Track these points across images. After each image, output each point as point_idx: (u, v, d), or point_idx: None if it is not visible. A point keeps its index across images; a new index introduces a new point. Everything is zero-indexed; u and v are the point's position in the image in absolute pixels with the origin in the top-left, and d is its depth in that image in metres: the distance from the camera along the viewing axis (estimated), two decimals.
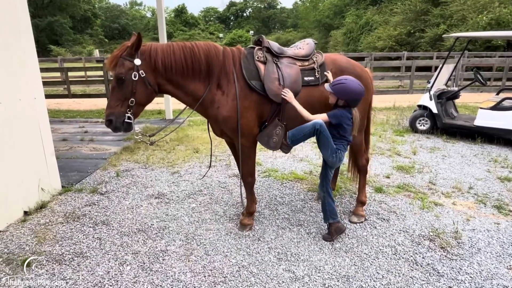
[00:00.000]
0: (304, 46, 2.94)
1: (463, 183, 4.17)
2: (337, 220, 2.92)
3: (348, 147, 3.42)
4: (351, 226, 3.18)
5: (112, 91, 2.47)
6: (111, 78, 2.51)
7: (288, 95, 2.66)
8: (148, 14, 74.11)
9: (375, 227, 3.16)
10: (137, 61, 2.43)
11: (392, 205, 3.58)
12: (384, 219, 3.30)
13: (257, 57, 2.75)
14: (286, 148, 2.82)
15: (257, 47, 2.82)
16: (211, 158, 3.34)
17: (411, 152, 5.38)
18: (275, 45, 2.85)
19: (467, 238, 2.98)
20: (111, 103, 2.47)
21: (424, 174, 4.45)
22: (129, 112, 2.47)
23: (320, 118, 2.64)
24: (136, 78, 2.43)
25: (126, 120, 2.47)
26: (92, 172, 4.60)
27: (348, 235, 3.04)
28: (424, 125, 6.56)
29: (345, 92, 2.61)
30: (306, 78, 2.82)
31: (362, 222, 3.24)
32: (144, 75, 2.46)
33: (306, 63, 2.87)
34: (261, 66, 2.72)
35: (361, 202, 3.36)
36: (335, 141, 2.70)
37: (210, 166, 3.56)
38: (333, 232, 2.92)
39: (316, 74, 2.84)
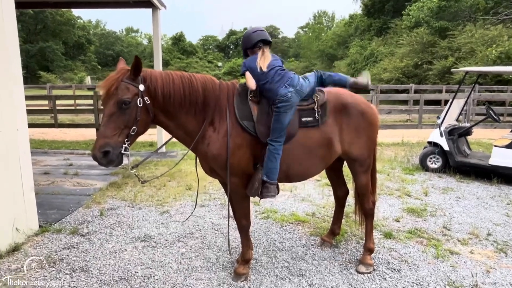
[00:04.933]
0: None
1: (481, 228, 4.09)
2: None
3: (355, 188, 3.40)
4: (358, 278, 3.06)
5: (109, 118, 2.35)
6: (102, 107, 2.51)
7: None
8: (145, 41, 76.59)
9: (385, 279, 3.05)
10: (142, 87, 2.44)
11: (403, 253, 3.48)
12: (394, 269, 3.19)
13: (251, 96, 2.79)
14: (267, 190, 2.74)
15: None
16: (197, 198, 3.28)
17: (422, 192, 5.34)
18: None
19: None
20: (106, 131, 2.34)
21: (438, 218, 4.38)
22: (127, 143, 2.43)
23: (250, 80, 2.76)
24: (141, 105, 2.43)
25: (122, 151, 2.40)
26: (74, 210, 4.52)
27: (355, 287, 2.92)
28: (435, 163, 6.56)
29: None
30: (303, 119, 2.85)
31: (370, 272, 3.13)
32: (149, 102, 2.47)
33: (305, 103, 2.90)
34: (254, 107, 2.76)
35: (369, 250, 3.27)
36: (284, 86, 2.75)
37: (195, 207, 3.47)
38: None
39: (316, 115, 2.87)
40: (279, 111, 2.70)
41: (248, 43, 2.88)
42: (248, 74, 2.79)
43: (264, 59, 2.79)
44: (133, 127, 2.43)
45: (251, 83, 2.76)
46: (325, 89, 3.05)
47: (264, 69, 2.76)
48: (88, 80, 43.91)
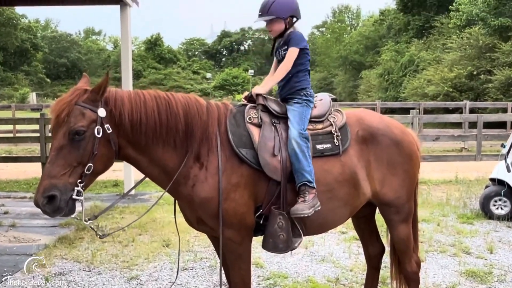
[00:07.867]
0: (316, 103, 3.07)
1: None
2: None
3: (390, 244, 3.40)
4: None
5: (58, 152, 2.41)
6: (50, 134, 2.57)
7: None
8: (109, 47, 78.55)
9: None
10: (102, 112, 2.49)
11: None
12: None
13: (249, 118, 2.85)
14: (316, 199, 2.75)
15: (249, 105, 2.95)
16: (178, 259, 3.28)
17: (485, 249, 5.30)
18: (274, 103, 2.97)
19: None
20: (54, 170, 2.39)
21: (508, 284, 4.34)
22: (81, 185, 2.46)
23: (291, 55, 3.01)
24: (100, 135, 2.48)
25: (74, 196, 2.44)
26: (9, 276, 4.48)
27: None
28: (502, 208, 6.54)
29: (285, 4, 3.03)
30: (318, 146, 2.90)
31: None
32: (111, 131, 2.52)
33: (320, 126, 2.98)
34: (254, 131, 2.81)
35: None
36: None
37: (177, 272, 3.45)
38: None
39: (335, 139, 2.92)
40: (308, 106, 2.98)
41: (298, 12, 3.16)
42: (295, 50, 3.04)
43: None
44: (89, 164, 2.47)
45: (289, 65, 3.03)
46: (344, 111, 3.15)
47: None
48: (32, 97, 44.53)
